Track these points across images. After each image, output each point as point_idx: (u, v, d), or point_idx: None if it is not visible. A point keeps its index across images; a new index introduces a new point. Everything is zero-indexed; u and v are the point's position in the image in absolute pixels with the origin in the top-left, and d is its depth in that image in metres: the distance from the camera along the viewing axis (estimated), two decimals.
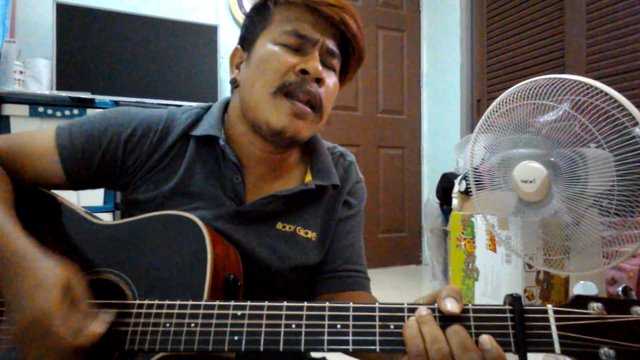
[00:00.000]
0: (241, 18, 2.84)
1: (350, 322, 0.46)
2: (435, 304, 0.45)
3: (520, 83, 1.19)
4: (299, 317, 0.47)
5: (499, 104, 1.24)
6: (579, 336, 0.42)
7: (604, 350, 0.41)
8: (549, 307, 0.43)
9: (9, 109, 1.90)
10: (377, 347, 0.44)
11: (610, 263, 1.10)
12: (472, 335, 0.43)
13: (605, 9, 2.19)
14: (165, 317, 0.50)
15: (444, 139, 3.26)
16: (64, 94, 2.02)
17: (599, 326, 0.42)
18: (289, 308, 0.48)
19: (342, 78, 0.74)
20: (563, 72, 2.25)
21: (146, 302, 0.52)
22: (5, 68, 2.04)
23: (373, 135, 3.31)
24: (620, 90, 1.04)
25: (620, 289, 0.43)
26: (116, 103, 2.14)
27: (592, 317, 0.42)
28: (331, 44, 0.66)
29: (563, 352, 0.42)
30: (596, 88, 1.03)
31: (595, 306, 0.42)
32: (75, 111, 2.02)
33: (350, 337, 0.45)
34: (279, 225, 0.69)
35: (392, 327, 0.45)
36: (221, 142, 0.67)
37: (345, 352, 0.46)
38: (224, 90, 2.68)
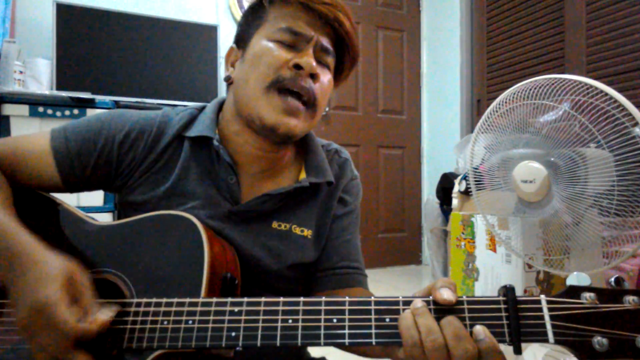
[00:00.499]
0: None
1: (347, 316, 0.47)
2: (430, 297, 0.46)
3: (520, 83, 1.19)
4: (296, 312, 0.48)
5: (499, 104, 1.24)
6: (572, 325, 0.42)
7: (597, 339, 0.41)
8: (542, 297, 0.44)
9: (9, 109, 1.90)
10: (373, 340, 0.45)
11: (610, 263, 1.10)
12: (467, 326, 0.44)
13: (605, 9, 2.19)
14: (163, 314, 0.50)
15: (444, 139, 3.26)
16: (64, 94, 2.02)
17: (592, 316, 0.42)
18: (285, 303, 0.48)
19: (337, 77, 0.74)
20: (563, 72, 2.25)
21: (144, 300, 0.52)
22: (5, 68, 2.04)
23: (373, 135, 3.31)
24: (620, 90, 1.04)
25: (612, 279, 0.44)
26: (116, 103, 2.14)
27: (585, 306, 0.42)
28: (325, 42, 0.67)
29: (557, 342, 0.42)
30: (596, 88, 1.03)
31: (588, 296, 0.43)
32: (75, 111, 2.01)
33: (347, 331, 0.46)
34: (275, 224, 0.69)
35: (387, 320, 0.46)
36: (215, 142, 0.67)
37: (342, 345, 0.47)
38: (224, 90, 2.66)
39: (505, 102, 1.22)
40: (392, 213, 3.35)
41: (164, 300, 0.51)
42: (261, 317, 0.48)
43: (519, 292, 1.34)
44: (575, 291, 0.44)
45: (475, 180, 1.34)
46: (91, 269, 0.58)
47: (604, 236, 1.09)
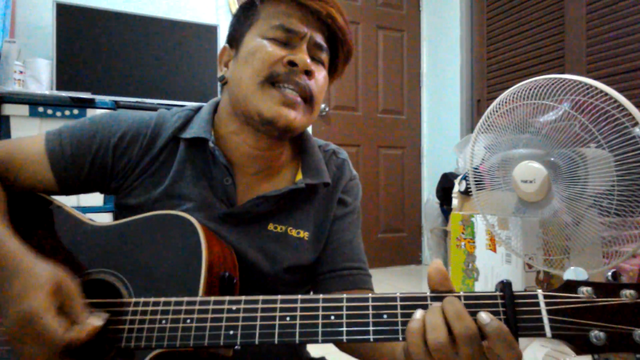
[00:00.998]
0: None
1: (344, 313, 0.47)
2: (428, 292, 0.46)
3: (520, 83, 1.19)
4: (294, 310, 0.48)
5: (499, 104, 1.24)
6: (569, 320, 0.42)
7: (595, 333, 0.41)
8: (539, 292, 0.44)
9: (9, 109, 1.90)
10: (371, 337, 0.45)
11: (610, 263, 1.10)
12: None
13: (605, 9, 2.19)
14: (161, 314, 0.50)
15: (444, 139, 3.26)
16: (64, 94, 2.02)
17: (589, 310, 0.42)
18: (283, 301, 0.49)
19: (331, 74, 0.74)
20: (563, 72, 2.25)
21: (142, 299, 0.52)
22: (5, 68, 2.04)
23: (373, 135, 3.31)
24: (620, 90, 1.04)
25: (609, 273, 0.44)
26: (116, 103, 2.14)
27: (582, 301, 0.43)
28: (319, 38, 0.67)
29: (554, 336, 0.42)
30: (596, 88, 1.03)
31: (585, 290, 0.43)
32: (75, 111, 2.01)
33: (344, 328, 0.46)
34: (271, 226, 0.69)
35: (385, 316, 0.46)
36: (211, 143, 0.67)
37: (340, 342, 0.47)
38: None
39: (505, 102, 1.22)
40: (392, 213, 3.35)
41: (162, 299, 0.51)
42: (259, 315, 0.48)
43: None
44: (572, 286, 0.44)
45: (475, 180, 1.34)
46: (89, 269, 0.58)
47: (604, 236, 1.09)
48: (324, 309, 0.47)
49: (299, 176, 0.72)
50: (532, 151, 1.18)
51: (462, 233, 1.81)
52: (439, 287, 0.46)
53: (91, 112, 2.04)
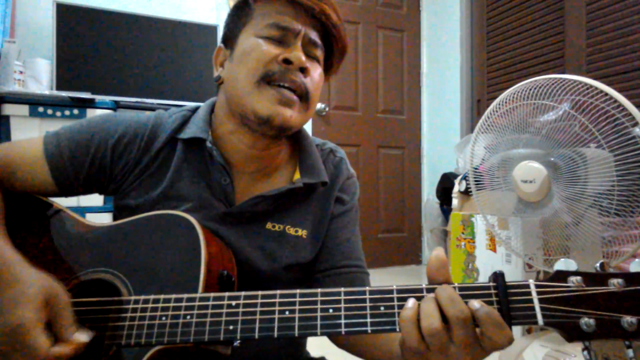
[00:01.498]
0: None
1: (342, 306, 0.48)
2: (423, 284, 0.47)
3: (520, 83, 1.19)
4: (292, 304, 0.49)
5: (499, 104, 1.24)
6: (560, 308, 0.43)
7: (585, 321, 0.42)
8: (531, 281, 0.45)
9: (9, 109, 1.90)
10: (369, 328, 0.46)
11: (610, 263, 1.10)
12: None
13: (605, 9, 2.19)
14: (161, 310, 0.51)
15: (444, 139, 3.26)
16: (64, 94, 2.02)
17: (579, 298, 0.43)
18: (282, 296, 0.49)
19: (327, 71, 0.74)
20: (563, 72, 2.25)
21: (142, 297, 0.52)
22: (5, 68, 2.04)
23: (373, 135, 3.31)
24: (620, 90, 1.04)
25: (597, 264, 0.45)
26: (116, 103, 2.14)
27: (572, 289, 0.44)
28: (313, 35, 0.67)
29: (545, 324, 0.43)
30: (596, 88, 1.03)
31: (575, 280, 0.44)
32: (75, 111, 2.01)
33: (343, 321, 0.47)
34: (269, 225, 0.69)
35: (382, 308, 0.47)
36: (208, 144, 0.67)
37: (338, 334, 0.48)
38: None
39: (505, 102, 1.22)
40: (392, 213, 3.35)
41: (162, 296, 0.51)
42: (258, 309, 0.49)
43: None
44: (562, 275, 0.45)
45: (475, 180, 1.35)
46: (88, 269, 0.58)
47: (604, 236, 1.09)
48: (322, 302, 0.48)
49: (297, 175, 0.72)
50: (532, 151, 1.18)
51: (462, 233, 1.81)
52: (436, 274, 0.47)
53: (91, 112, 2.05)
